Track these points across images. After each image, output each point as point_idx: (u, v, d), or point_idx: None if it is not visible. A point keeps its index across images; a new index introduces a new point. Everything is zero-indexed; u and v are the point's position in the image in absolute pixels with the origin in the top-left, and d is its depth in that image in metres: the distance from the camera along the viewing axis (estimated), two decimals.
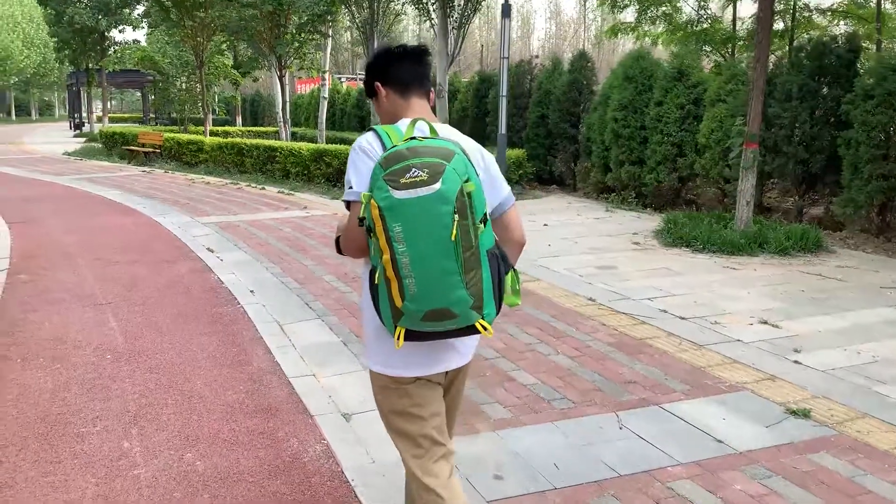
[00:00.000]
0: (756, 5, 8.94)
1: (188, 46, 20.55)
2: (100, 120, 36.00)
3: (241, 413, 3.88)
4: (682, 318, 5.50)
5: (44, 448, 3.47)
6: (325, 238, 8.80)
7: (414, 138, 1.84)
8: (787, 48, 12.10)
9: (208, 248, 8.28)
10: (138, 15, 32.16)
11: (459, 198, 1.74)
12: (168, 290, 6.44)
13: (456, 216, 1.74)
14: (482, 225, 1.81)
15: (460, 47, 14.30)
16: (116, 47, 31.54)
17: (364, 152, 1.98)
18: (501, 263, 1.91)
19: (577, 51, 14.30)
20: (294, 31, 18.14)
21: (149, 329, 5.34)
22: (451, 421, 2.32)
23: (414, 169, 1.73)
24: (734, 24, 15.97)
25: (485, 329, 1.84)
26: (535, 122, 14.67)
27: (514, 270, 1.99)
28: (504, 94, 13.03)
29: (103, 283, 6.66)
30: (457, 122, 17.08)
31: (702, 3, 14.61)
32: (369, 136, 2.03)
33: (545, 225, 9.73)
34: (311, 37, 18.30)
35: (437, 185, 1.72)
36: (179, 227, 9.74)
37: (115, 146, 22.54)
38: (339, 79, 32.84)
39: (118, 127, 27.11)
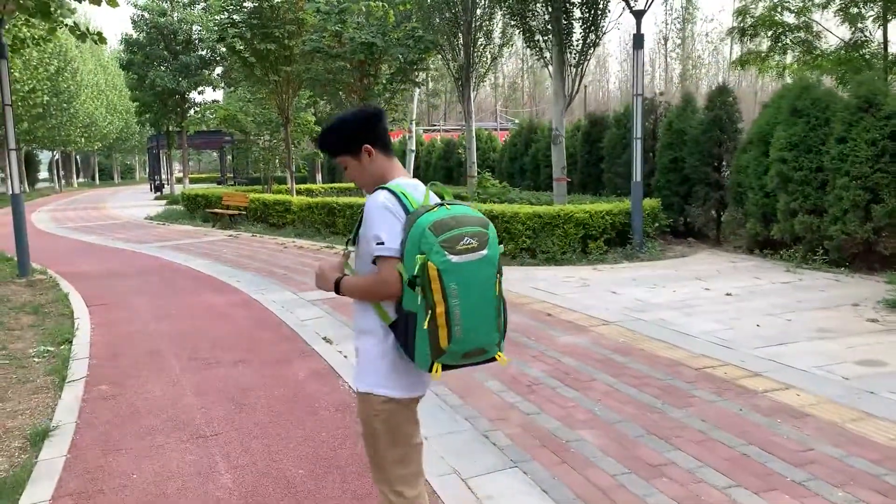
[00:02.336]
0: None
1: (273, 104, 19.62)
2: (179, 181, 35.90)
3: None
4: None
5: None
6: None
7: (441, 205, 2.19)
8: None
9: (324, 338, 6.69)
10: (217, 75, 32.05)
11: (499, 261, 2.19)
12: (288, 411, 4.83)
13: (498, 275, 2.19)
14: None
15: (578, 87, 12.68)
16: (196, 108, 31.37)
17: (390, 211, 2.23)
18: (505, 302, 2.28)
19: (717, 84, 12.48)
20: (385, 82, 16.91)
21: (277, 487, 3.69)
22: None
23: (466, 237, 2.10)
24: (885, 49, 13.93)
25: (500, 357, 2.28)
26: (667, 167, 12.86)
27: None
28: (639, 136, 11.28)
29: (205, 400, 5.10)
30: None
31: (858, 27, 12.67)
32: (389, 196, 2.26)
33: (728, 294, 7.82)
34: (402, 86, 17.06)
35: (485, 252, 2.14)
36: (283, 306, 8.24)
37: (198, 209, 21.71)
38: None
39: (200, 188, 26.50)
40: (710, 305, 7.33)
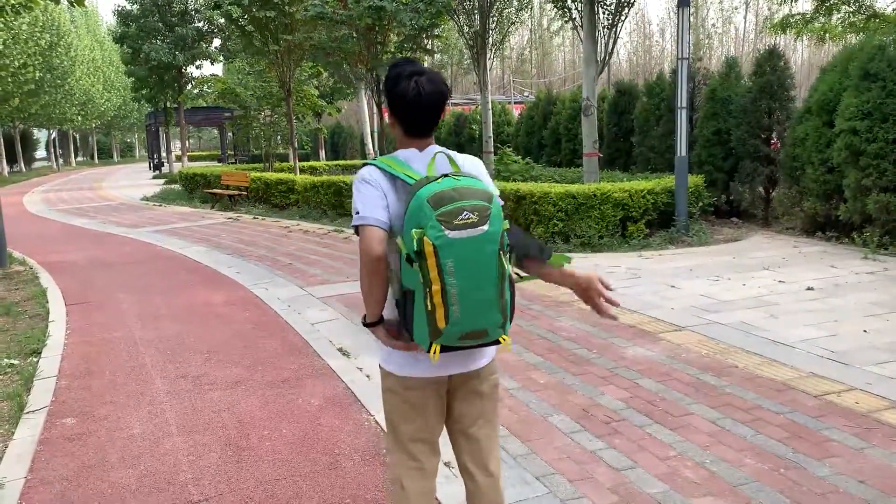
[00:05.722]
0: None
1: (273, 75, 18.38)
2: (178, 159, 34.73)
3: None
4: None
5: None
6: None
7: (445, 176, 1.98)
8: None
9: (340, 349, 5.60)
10: (215, 48, 30.71)
11: (501, 237, 1.97)
12: (300, 459, 3.73)
13: (500, 252, 1.97)
14: (506, 256, 2.03)
15: (612, 51, 11.44)
16: (194, 82, 30.11)
17: (366, 182, 2.12)
18: (512, 283, 2.12)
19: (766, 48, 11.24)
20: (393, 49, 15.64)
21: None
22: (478, 442, 2.33)
23: (465, 212, 1.90)
24: None
25: (504, 341, 2.05)
26: (709, 140, 11.67)
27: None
28: (684, 105, 10.08)
29: (193, 441, 4.00)
30: None
31: None
32: (370, 169, 2.15)
33: (810, 289, 6.69)
34: (412, 54, 15.77)
35: (486, 227, 1.93)
36: (289, 305, 7.14)
37: (196, 188, 20.59)
38: None
39: (198, 167, 25.35)
40: (795, 304, 6.20)
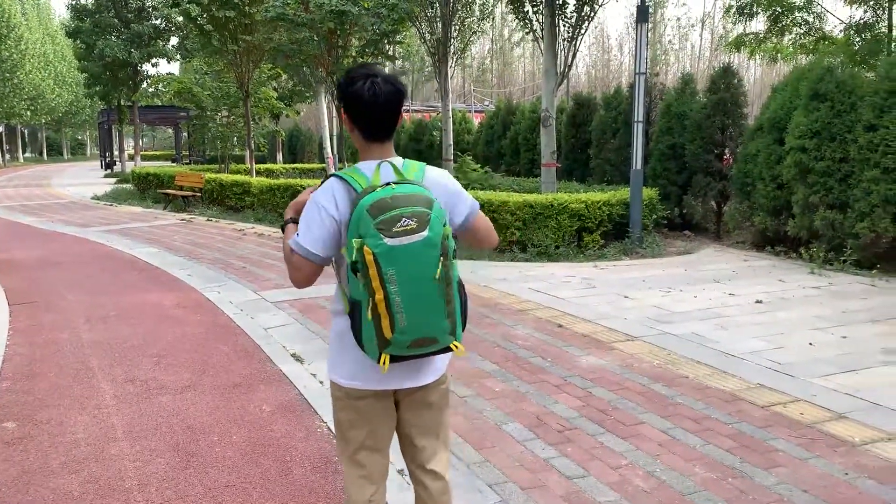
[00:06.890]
0: None
1: (232, 76, 18.15)
2: (131, 158, 34.05)
3: None
4: None
5: None
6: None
7: (388, 184, 1.96)
8: None
9: (293, 354, 5.53)
10: (173, 46, 30.21)
11: (443, 242, 1.94)
12: (251, 465, 3.66)
13: (441, 258, 1.93)
14: (455, 261, 2.01)
15: (571, 64, 11.57)
16: (150, 80, 29.54)
17: (316, 206, 2.07)
18: (463, 288, 2.08)
19: (721, 65, 11.51)
20: (355, 54, 15.60)
21: None
22: (424, 449, 2.30)
23: (404, 218, 1.89)
24: (890, 31, 13.13)
25: (457, 348, 2.04)
26: (664, 154, 11.89)
27: None
28: (640, 119, 10.25)
29: (141, 447, 3.90)
30: None
31: (878, 3, 11.78)
32: (334, 183, 2.09)
33: (759, 302, 6.85)
34: (373, 60, 15.74)
35: (426, 233, 1.91)
36: (241, 309, 7.03)
37: (149, 188, 20.19)
38: None
39: (152, 167, 24.84)
40: (744, 316, 6.34)
